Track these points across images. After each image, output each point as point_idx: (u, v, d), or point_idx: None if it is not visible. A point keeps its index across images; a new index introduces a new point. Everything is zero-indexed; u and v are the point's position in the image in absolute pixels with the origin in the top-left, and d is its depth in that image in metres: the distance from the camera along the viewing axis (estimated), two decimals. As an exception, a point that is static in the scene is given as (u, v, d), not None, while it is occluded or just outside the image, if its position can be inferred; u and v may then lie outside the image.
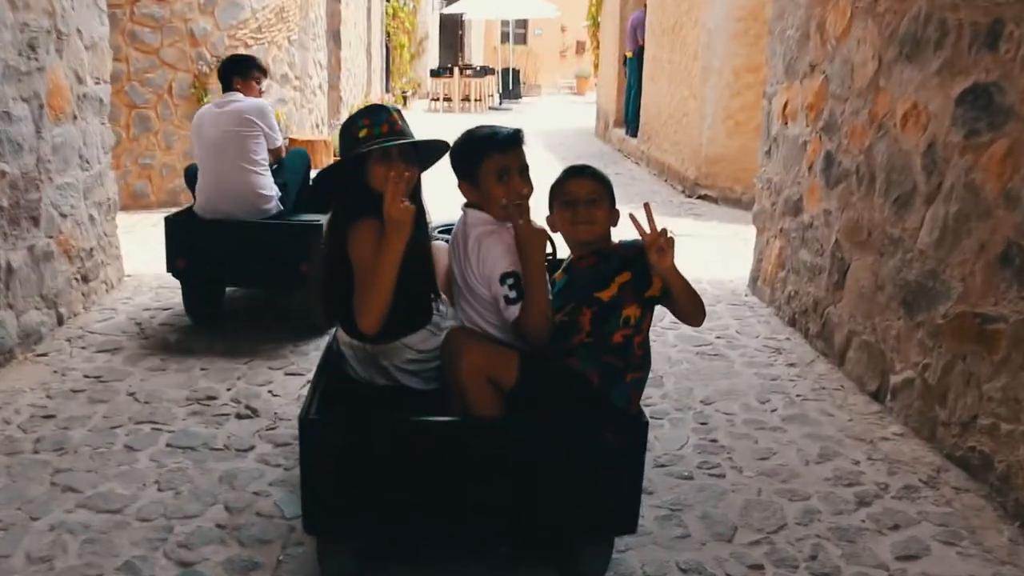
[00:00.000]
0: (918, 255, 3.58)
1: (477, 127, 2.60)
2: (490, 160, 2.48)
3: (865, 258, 4.07)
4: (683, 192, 9.76)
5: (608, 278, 2.45)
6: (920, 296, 3.55)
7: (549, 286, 2.50)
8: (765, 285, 5.43)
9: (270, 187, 4.65)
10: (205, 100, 7.92)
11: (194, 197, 4.67)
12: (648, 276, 2.38)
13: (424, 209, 2.70)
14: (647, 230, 2.31)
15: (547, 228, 2.54)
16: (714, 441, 3.46)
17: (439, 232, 4.26)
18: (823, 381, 4.16)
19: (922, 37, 3.56)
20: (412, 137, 2.60)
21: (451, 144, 2.64)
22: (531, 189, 2.53)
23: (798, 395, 3.98)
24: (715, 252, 6.90)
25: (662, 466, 3.22)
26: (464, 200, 2.61)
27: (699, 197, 9.34)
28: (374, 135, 2.51)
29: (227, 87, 4.78)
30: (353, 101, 13.64)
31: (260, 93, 4.96)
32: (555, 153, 13.22)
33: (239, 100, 4.68)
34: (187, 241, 4.49)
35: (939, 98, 3.43)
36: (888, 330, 3.83)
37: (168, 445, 3.26)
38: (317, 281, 2.70)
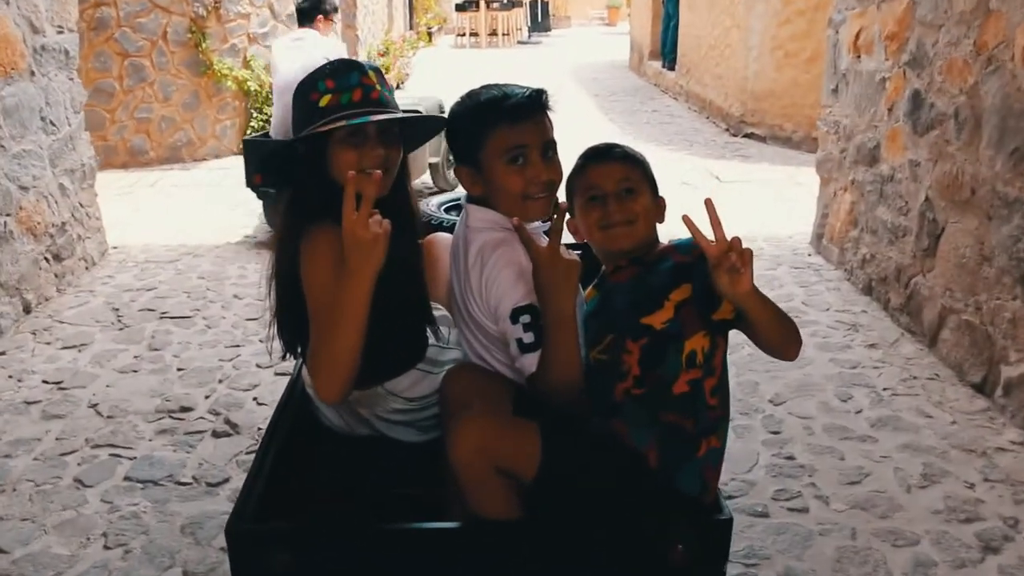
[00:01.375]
0: (1045, 222, 2.86)
1: (482, 87, 1.87)
2: (497, 135, 1.77)
3: (967, 221, 3.35)
4: (727, 130, 8.95)
5: (659, 295, 1.72)
6: (1047, 274, 2.85)
7: (581, 328, 1.80)
8: (832, 244, 4.71)
9: None
10: (203, 46, 7.26)
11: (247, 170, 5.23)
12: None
13: (411, 204, 2.01)
14: (711, 239, 1.59)
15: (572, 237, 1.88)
16: (791, 458, 2.82)
17: (446, 209, 3.63)
18: (912, 368, 3.48)
19: (1057, -57, 2.78)
20: (395, 107, 1.88)
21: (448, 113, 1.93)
22: (559, 174, 1.85)
23: (885, 389, 3.31)
24: (769, 201, 6.16)
25: (729, 498, 2.58)
26: (465, 191, 1.92)
27: (745, 136, 8.53)
28: (341, 104, 1.78)
29: (302, 22, 5.34)
30: (372, 41, 12.83)
31: (327, 32, 5.40)
32: (587, 89, 12.41)
33: (311, 38, 5.22)
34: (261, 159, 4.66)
35: (1081, 22, 2.67)
36: (999, 311, 3.13)
37: (126, 479, 2.69)
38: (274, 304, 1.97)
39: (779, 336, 1.67)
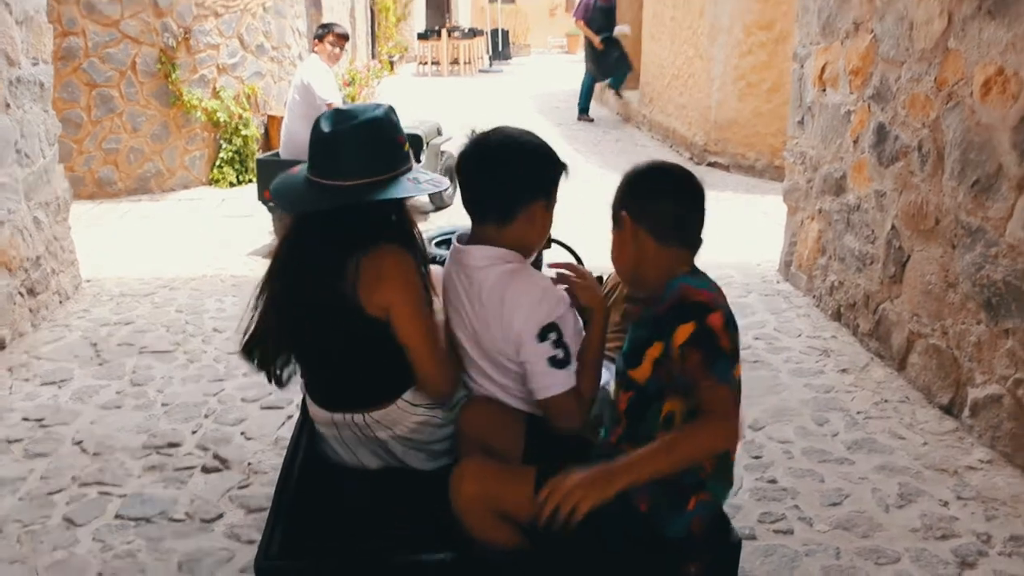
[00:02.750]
0: (1007, 250, 2.99)
1: (525, 134, 1.96)
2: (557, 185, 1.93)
3: (931, 249, 3.49)
4: (691, 159, 9.12)
5: (640, 349, 1.76)
6: (1011, 299, 2.98)
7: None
8: (801, 271, 4.84)
9: None
10: (173, 76, 7.26)
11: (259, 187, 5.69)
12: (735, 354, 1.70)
13: (414, 228, 2.10)
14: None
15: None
16: (773, 482, 2.90)
17: (438, 244, 3.68)
18: (883, 391, 3.60)
19: (1012, -13, 2.93)
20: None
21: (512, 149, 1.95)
22: None
23: (859, 412, 3.41)
24: (735, 229, 6.30)
25: (716, 522, 2.66)
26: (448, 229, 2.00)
27: (709, 164, 8.71)
28: (407, 151, 1.99)
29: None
30: (337, 70, 12.87)
31: (335, 56, 5.87)
32: (549, 117, 12.55)
33: (307, 62, 5.86)
34: (270, 177, 5.20)
35: (1037, 62, 2.82)
36: (965, 335, 3.26)
37: (118, 516, 2.68)
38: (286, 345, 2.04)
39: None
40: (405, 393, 2.02)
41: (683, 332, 1.65)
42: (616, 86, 12.39)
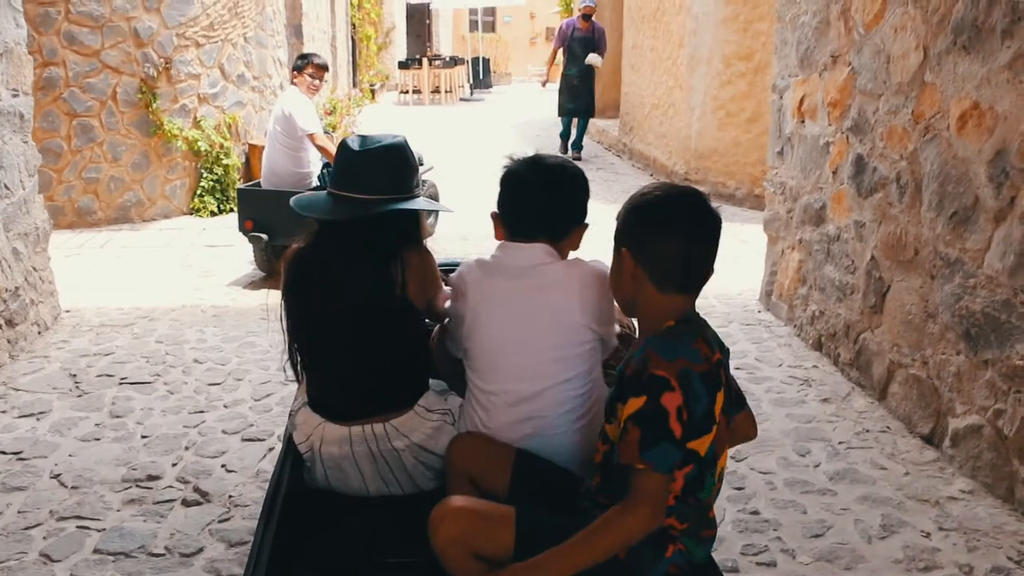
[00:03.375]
0: (985, 282, 3.03)
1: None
2: None
3: (911, 280, 3.53)
4: (672, 188, 9.19)
5: (612, 403, 1.69)
6: (989, 330, 3.01)
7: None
8: (782, 301, 4.88)
9: (307, 165, 5.66)
10: (153, 106, 7.26)
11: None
12: (703, 425, 1.60)
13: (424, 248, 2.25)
14: None
15: None
16: (756, 513, 2.90)
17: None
18: (865, 421, 3.62)
19: (985, 24, 3.00)
20: None
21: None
22: None
23: (840, 442, 3.43)
24: (716, 258, 6.33)
25: (700, 554, 2.65)
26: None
27: (689, 193, 8.78)
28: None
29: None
30: (318, 99, 12.91)
31: (314, 87, 5.78)
32: (531, 145, 12.62)
33: (285, 93, 5.86)
34: (251, 207, 5.55)
35: (1011, 96, 2.87)
36: (944, 365, 3.29)
37: (96, 551, 2.64)
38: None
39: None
40: (421, 399, 2.13)
41: (632, 405, 1.58)
42: (577, 145, 11.57)
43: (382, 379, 2.08)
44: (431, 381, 2.24)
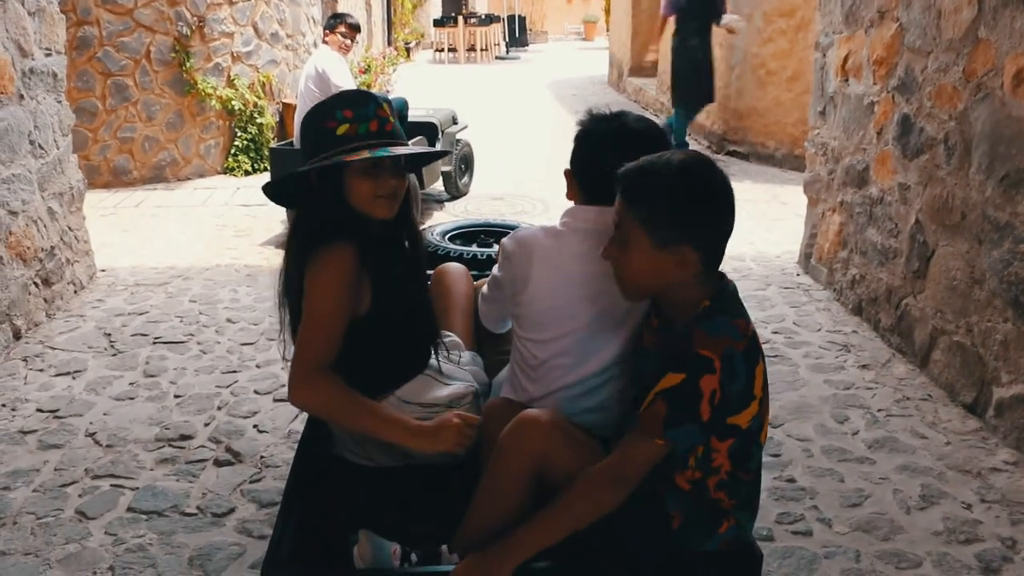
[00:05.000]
0: (1036, 247, 2.92)
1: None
2: None
3: (957, 244, 3.41)
4: (710, 148, 9.03)
5: (650, 385, 1.60)
6: (1039, 297, 2.91)
7: None
8: (821, 264, 4.77)
9: None
10: (187, 65, 7.24)
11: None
12: (742, 400, 1.55)
13: (415, 228, 2.07)
14: None
15: None
16: (792, 481, 2.85)
17: (451, 238, 3.65)
18: (905, 388, 3.53)
19: (1045, -25, 2.85)
20: (403, 138, 1.94)
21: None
22: None
23: (880, 410, 3.35)
24: (754, 220, 6.22)
25: (734, 523, 2.61)
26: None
27: (728, 153, 8.62)
28: (358, 133, 1.84)
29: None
30: (352, 58, 12.83)
31: (346, 46, 5.79)
32: (567, 106, 12.47)
33: (319, 52, 5.79)
34: (284, 166, 5.46)
35: (1070, 53, 2.74)
36: (991, 333, 3.19)
37: (130, 509, 2.66)
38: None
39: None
40: (398, 390, 2.00)
41: (669, 380, 1.55)
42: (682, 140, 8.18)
43: (338, 370, 1.89)
44: (464, 356, 2.18)
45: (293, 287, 1.92)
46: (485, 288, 2.18)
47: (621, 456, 1.57)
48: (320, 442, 2.08)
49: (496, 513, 1.71)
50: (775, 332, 4.10)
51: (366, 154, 1.80)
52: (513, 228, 3.56)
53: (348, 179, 1.87)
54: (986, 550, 2.49)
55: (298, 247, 1.91)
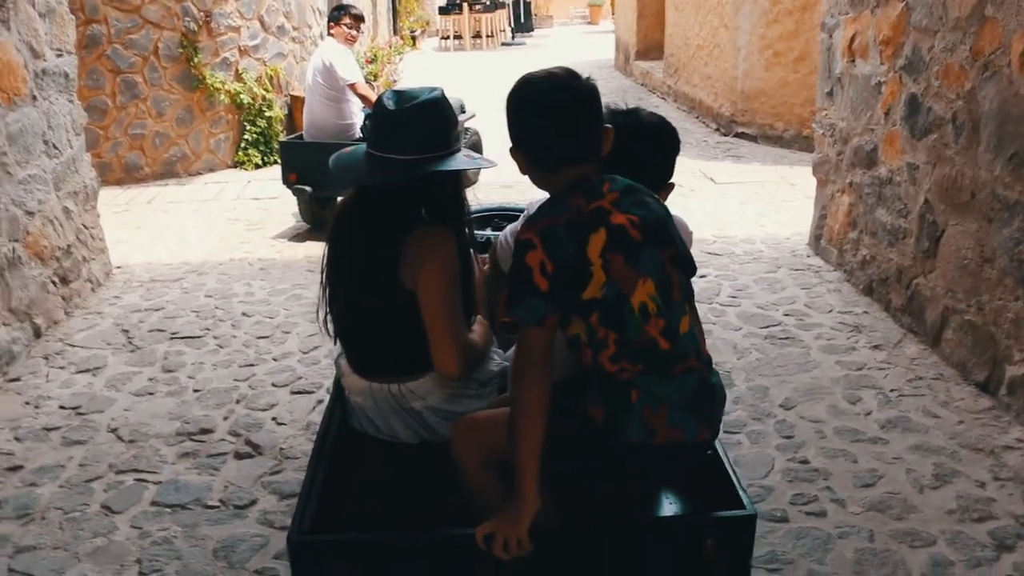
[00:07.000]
0: (1046, 225, 2.93)
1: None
2: None
3: (967, 224, 3.42)
4: (718, 130, 9.02)
5: None
6: (1049, 275, 2.92)
7: None
8: (831, 245, 4.78)
9: (349, 116, 5.64)
10: (195, 60, 7.27)
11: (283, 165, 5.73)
12: (578, 267, 1.66)
13: (466, 211, 2.19)
14: None
15: None
16: (805, 462, 2.88)
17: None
18: (917, 368, 3.55)
19: (1051, -47, 2.85)
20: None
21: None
22: None
23: (892, 390, 3.37)
24: (764, 202, 6.23)
25: (748, 504, 2.64)
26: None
27: (736, 135, 8.61)
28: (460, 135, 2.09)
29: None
30: (358, 48, 12.83)
31: (351, 38, 5.73)
32: (574, 92, 12.41)
33: (324, 44, 5.75)
34: (294, 160, 5.58)
35: (1077, 30, 2.74)
36: (1002, 311, 3.20)
37: (154, 503, 2.72)
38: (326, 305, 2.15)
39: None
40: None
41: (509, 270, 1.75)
42: None
43: (384, 346, 2.06)
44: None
45: (377, 262, 1.99)
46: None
47: (515, 349, 1.74)
48: (341, 421, 2.16)
49: (483, 500, 1.85)
50: (786, 314, 4.12)
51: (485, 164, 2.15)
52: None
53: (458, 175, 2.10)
54: (1000, 527, 2.52)
55: (393, 223, 1.99)
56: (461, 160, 2.03)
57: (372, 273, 1.99)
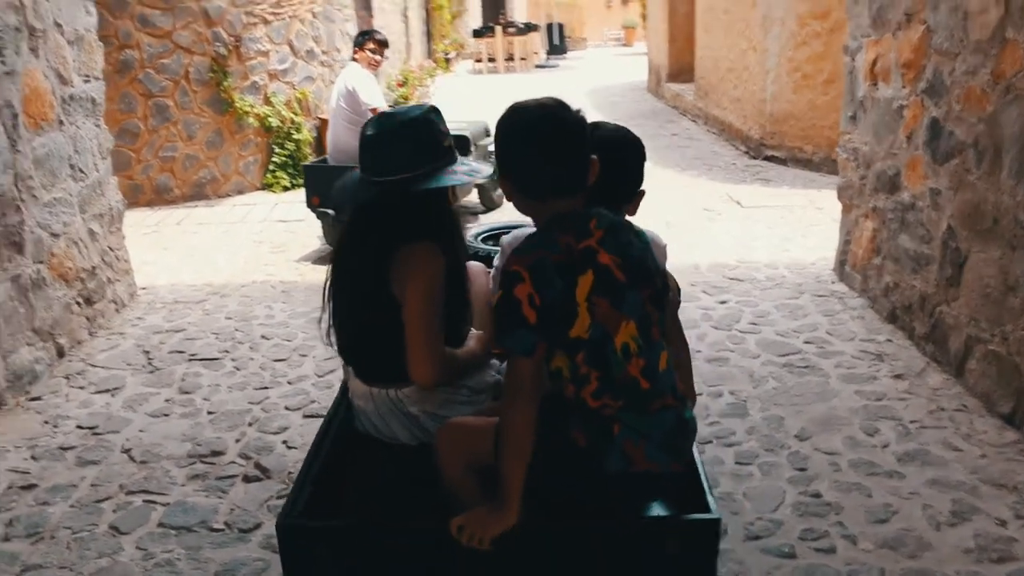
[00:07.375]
0: (1069, 253, 2.85)
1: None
2: None
3: (990, 251, 3.34)
4: (747, 153, 8.96)
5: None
6: (1073, 305, 2.84)
7: None
8: (855, 271, 4.70)
9: None
10: (225, 84, 7.39)
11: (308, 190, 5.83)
12: (565, 308, 1.69)
13: (458, 224, 2.25)
14: None
15: None
16: (817, 496, 2.81)
17: (483, 239, 3.79)
18: (939, 399, 3.47)
19: (1071, -24, 2.79)
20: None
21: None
22: None
23: (912, 421, 3.29)
24: (791, 226, 6.16)
25: (755, 538, 2.59)
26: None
27: (765, 158, 8.54)
28: (450, 147, 2.13)
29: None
30: (391, 71, 12.98)
31: (375, 63, 5.78)
32: (606, 113, 12.44)
33: (347, 69, 5.81)
34: (317, 183, 5.61)
35: (1098, 55, 2.68)
36: (1025, 341, 3.12)
37: (160, 525, 2.73)
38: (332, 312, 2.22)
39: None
40: None
41: (495, 300, 1.75)
42: None
43: (379, 354, 2.12)
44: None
45: (369, 279, 2.05)
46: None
47: (505, 376, 1.77)
48: (343, 419, 2.23)
49: (463, 503, 1.87)
50: (807, 342, 4.05)
51: (466, 179, 2.10)
52: None
53: (450, 190, 2.14)
54: (1020, 569, 2.43)
55: (381, 242, 2.05)
56: (444, 178, 2.05)
57: (369, 289, 2.06)
